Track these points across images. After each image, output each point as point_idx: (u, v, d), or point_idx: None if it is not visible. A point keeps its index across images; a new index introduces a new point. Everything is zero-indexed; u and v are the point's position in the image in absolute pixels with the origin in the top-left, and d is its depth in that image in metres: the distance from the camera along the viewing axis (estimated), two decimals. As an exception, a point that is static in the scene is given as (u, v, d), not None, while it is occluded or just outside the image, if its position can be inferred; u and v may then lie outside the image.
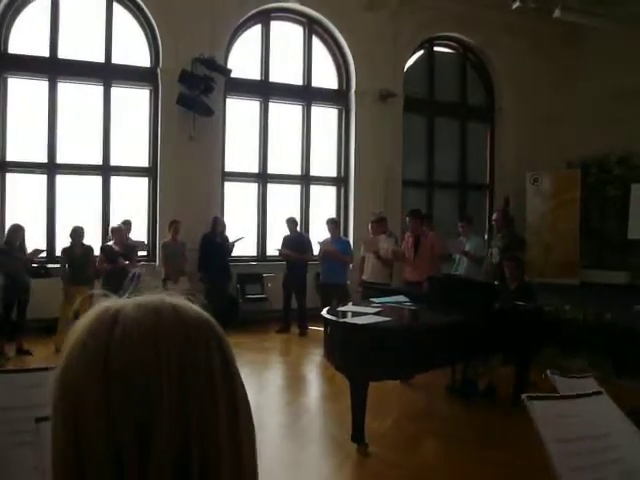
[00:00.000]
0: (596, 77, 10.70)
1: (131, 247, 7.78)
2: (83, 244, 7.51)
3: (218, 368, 0.61)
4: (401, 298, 5.52)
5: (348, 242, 8.93)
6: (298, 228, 9.22)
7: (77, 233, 7.46)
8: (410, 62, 10.93)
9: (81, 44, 8.73)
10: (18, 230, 7.12)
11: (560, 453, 0.98)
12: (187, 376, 0.59)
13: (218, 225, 8.64)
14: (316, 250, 8.83)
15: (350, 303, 5.80)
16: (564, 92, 11.16)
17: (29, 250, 7.26)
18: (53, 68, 8.55)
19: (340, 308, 5.14)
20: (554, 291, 8.41)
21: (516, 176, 11.06)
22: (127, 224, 8.15)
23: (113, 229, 7.78)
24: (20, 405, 1.12)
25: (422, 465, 4.32)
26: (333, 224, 8.66)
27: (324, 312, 4.77)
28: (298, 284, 8.67)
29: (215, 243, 8.46)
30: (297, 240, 8.81)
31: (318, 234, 9.30)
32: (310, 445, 4.84)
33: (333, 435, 4.98)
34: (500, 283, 5.95)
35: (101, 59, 8.83)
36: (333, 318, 4.64)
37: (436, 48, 11.30)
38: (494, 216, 7.96)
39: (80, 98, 8.86)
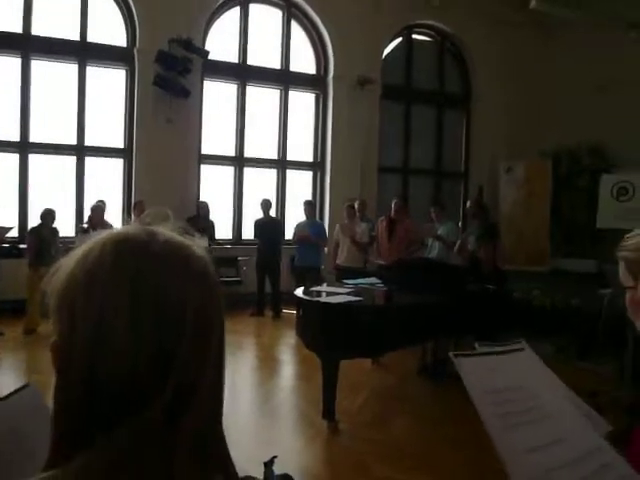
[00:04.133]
0: (571, 69, 10.86)
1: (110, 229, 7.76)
2: (51, 226, 7.47)
3: (220, 310, 0.68)
4: (373, 280, 5.61)
5: (323, 226, 9.01)
6: (273, 212, 9.27)
7: (50, 216, 7.43)
8: (388, 49, 10.97)
9: (55, 21, 8.58)
10: None
11: (486, 402, 1.05)
12: (205, 311, 0.65)
13: (202, 209, 8.67)
14: (290, 234, 8.89)
15: (324, 284, 5.87)
16: (539, 82, 11.31)
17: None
18: (26, 44, 8.39)
19: (313, 288, 5.21)
20: (525, 278, 8.59)
21: (491, 165, 11.22)
22: (103, 204, 8.11)
23: (92, 208, 7.77)
24: None
25: (390, 441, 4.43)
26: (309, 205, 8.80)
27: (297, 291, 4.83)
28: (271, 267, 8.72)
29: (198, 228, 8.45)
30: (270, 224, 8.84)
31: (293, 218, 9.35)
32: (282, 422, 4.92)
33: (305, 413, 5.06)
34: (474, 267, 6.06)
35: (76, 37, 8.70)
36: (306, 297, 4.71)
37: (414, 36, 11.35)
38: (468, 204, 8.10)
39: (54, 76, 8.73)
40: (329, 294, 4.86)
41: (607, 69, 10.33)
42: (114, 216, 8.74)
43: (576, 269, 9.90)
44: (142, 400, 0.59)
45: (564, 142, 10.74)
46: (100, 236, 0.67)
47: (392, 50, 11.07)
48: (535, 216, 10.81)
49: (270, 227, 8.79)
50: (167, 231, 0.69)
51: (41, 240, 7.34)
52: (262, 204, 8.90)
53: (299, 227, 8.56)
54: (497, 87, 11.17)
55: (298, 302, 4.74)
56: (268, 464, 0.73)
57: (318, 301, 4.65)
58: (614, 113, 10.24)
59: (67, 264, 0.66)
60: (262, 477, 0.74)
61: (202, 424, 0.63)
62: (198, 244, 0.70)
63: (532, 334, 6.93)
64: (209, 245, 8.44)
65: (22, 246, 7.98)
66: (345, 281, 5.65)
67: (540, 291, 8.12)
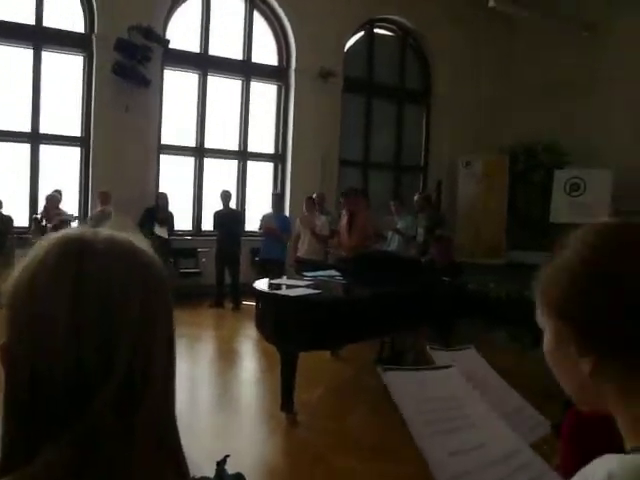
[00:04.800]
0: (529, 67, 11.14)
1: (64, 220, 7.65)
2: (2, 214, 7.28)
3: (166, 301, 0.70)
4: (332, 272, 5.67)
5: (288, 219, 8.99)
6: (233, 204, 9.24)
7: None
8: (350, 42, 11.01)
9: (10, 3, 8.32)
10: None
11: (412, 411, 1.11)
12: (150, 303, 0.66)
13: (160, 200, 8.61)
14: (251, 226, 8.89)
15: (284, 277, 5.90)
16: (498, 80, 11.55)
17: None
18: (-22, 28, 8.13)
19: (272, 281, 5.23)
20: (481, 271, 8.78)
21: (449, 159, 11.41)
22: (59, 193, 7.96)
23: (47, 197, 7.63)
24: None
25: (349, 432, 4.50)
26: (277, 197, 8.87)
27: (256, 284, 4.85)
28: (231, 259, 8.70)
29: (157, 218, 8.39)
30: (229, 216, 8.81)
31: (254, 210, 9.33)
32: (241, 414, 4.94)
33: (264, 405, 5.10)
34: (427, 260, 6.19)
35: (32, 21, 8.46)
36: (264, 290, 4.74)
37: (376, 30, 11.41)
38: (415, 197, 8.31)
39: (8, 61, 8.47)
40: (288, 287, 4.89)
41: (563, 68, 10.61)
42: (71, 206, 8.61)
43: (531, 261, 10.15)
44: (91, 395, 0.61)
45: (521, 139, 11.01)
46: (47, 239, 0.68)
47: (354, 43, 11.12)
48: (492, 210, 11.06)
49: (230, 219, 8.76)
50: (109, 229, 0.70)
51: None
52: (222, 196, 8.86)
53: (265, 219, 8.55)
54: (457, 83, 11.35)
55: (257, 295, 4.76)
56: (220, 463, 0.76)
57: (276, 294, 4.68)
58: (568, 111, 10.55)
59: (19, 267, 0.67)
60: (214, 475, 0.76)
61: (157, 416, 0.65)
62: (139, 238, 0.71)
63: (488, 324, 7.15)
64: (168, 236, 8.38)
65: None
66: (304, 274, 5.69)
67: (496, 283, 8.32)
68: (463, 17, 11.06)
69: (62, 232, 0.69)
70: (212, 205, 9.26)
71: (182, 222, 9.48)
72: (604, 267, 0.72)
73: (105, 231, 0.69)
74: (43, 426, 0.61)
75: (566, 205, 10.40)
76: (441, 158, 11.66)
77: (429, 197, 8.53)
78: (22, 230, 7.78)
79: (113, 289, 0.63)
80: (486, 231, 10.96)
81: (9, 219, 7.37)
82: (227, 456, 0.78)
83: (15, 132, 8.55)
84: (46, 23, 8.54)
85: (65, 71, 8.85)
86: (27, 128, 8.57)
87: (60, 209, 7.72)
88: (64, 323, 0.61)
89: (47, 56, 8.64)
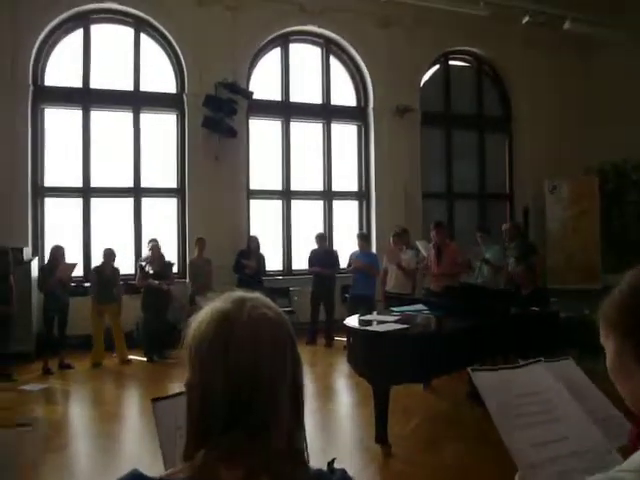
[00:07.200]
0: (609, 84, 10.86)
1: (168, 265, 8.26)
2: (112, 265, 7.95)
3: (292, 357, 0.98)
4: (420, 307, 5.78)
5: (376, 256, 9.10)
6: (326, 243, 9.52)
7: (109, 255, 7.93)
8: (426, 77, 11.22)
9: (111, 74, 9.25)
10: (59, 250, 7.59)
11: (500, 411, 1.24)
12: (275, 365, 0.94)
13: (252, 243, 9.06)
14: (344, 263, 9.12)
15: (374, 312, 6.07)
16: (579, 99, 11.33)
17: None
18: (86, 98, 9.06)
19: (362, 317, 5.42)
20: (576, 296, 8.53)
21: (535, 184, 11.23)
22: (156, 242, 8.56)
23: (150, 247, 8.24)
24: None
25: (442, 465, 4.54)
26: (363, 239, 8.94)
27: (347, 320, 5.06)
28: (327, 297, 8.96)
29: (249, 260, 8.82)
30: (325, 254, 9.10)
31: (342, 248, 9.57)
32: (337, 447, 5.10)
33: (359, 438, 5.23)
34: (515, 290, 6.17)
35: (130, 87, 9.32)
36: (355, 326, 4.93)
37: (451, 62, 11.57)
38: (503, 227, 8.17)
39: (111, 125, 9.36)
40: (377, 322, 5.07)
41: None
42: (170, 252, 9.24)
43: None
44: (235, 420, 0.89)
45: (608, 158, 10.69)
46: (207, 309, 0.96)
47: (430, 77, 11.32)
48: (584, 233, 10.74)
49: (325, 257, 9.03)
50: (252, 302, 0.96)
51: (103, 279, 7.84)
52: (317, 237, 9.18)
53: (353, 257, 8.75)
54: (537, 106, 11.24)
55: (348, 331, 4.97)
56: (330, 463, 1.01)
57: (366, 330, 4.86)
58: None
59: (192, 324, 0.95)
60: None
61: (297, 426, 0.95)
62: (276, 309, 0.98)
63: (586, 352, 6.95)
64: (260, 277, 8.79)
65: (86, 284, 8.50)
66: (392, 309, 5.83)
67: (591, 309, 8.07)
68: (537, 40, 11.00)
69: (215, 305, 0.95)
70: (301, 245, 9.60)
71: (273, 262, 9.89)
72: None
73: (249, 302, 0.96)
74: (206, 433, 0.90)
75: (665, 223, 9.95)
76: (526, 184, 11.50)
77: (518, 226, 8.38)
78: (129, 277, 8.45)
79: (253, 349, 0.91)
80: (579, 256, 10.65)
81: (117, 270, 8.04)
82: (334, 458, 1.01)
83: (120, 188, 9.37)
84: (143, 88, 9.38)
85: (161, 128, 9.63)
86: (130, 183, 9.35)
87: (162, 255, 8.31)
88: (219, 379, 0.90)
89: (145, 117, 9.46)
